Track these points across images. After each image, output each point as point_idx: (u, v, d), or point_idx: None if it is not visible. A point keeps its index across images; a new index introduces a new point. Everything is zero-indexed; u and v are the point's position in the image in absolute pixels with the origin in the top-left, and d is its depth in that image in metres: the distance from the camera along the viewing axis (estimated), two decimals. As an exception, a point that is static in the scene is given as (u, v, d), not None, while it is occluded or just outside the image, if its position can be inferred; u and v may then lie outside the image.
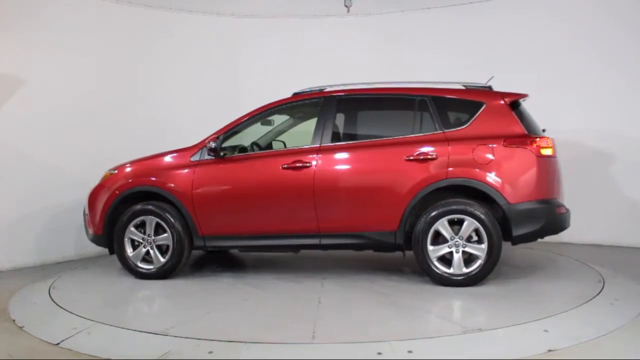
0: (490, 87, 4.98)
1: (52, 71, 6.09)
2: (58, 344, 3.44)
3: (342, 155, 4.82)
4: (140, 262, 5.04)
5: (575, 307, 3.84)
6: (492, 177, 4.50)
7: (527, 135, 4.58)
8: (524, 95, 4.84)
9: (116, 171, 5.28)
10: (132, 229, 5.04)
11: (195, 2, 7.21)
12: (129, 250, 5.05)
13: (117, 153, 6.52)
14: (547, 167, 4.57)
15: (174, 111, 7.08)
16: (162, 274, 4.99)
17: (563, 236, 4.69)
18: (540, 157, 4.52)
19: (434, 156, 4.58)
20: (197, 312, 3.98)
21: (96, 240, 5.25)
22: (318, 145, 4.84)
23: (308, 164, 4.78)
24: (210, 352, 3.19)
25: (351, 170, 4.81)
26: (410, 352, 3.12)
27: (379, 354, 3.09)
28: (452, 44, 7.07)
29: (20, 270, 5.67)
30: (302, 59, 7.50)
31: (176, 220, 4.94)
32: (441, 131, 4.68)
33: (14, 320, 3.96)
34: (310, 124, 5.10)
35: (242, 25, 7.55)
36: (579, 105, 6.48)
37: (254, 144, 5.34)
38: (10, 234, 5.76)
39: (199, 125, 5.83)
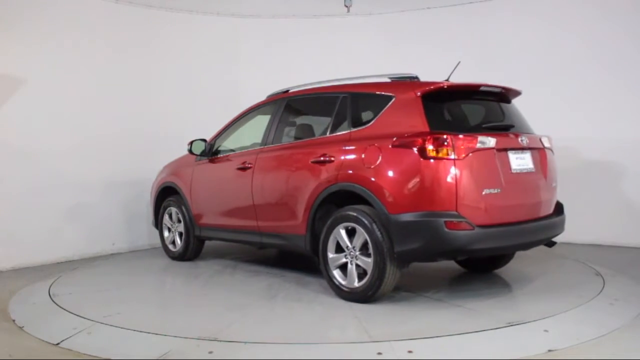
0: (416, 78, 4.29)
1: (52, 71, 6.08)
2: (58, 344, 3.44)
3: (272, 157, 4.81)
4: (170, 244, 5.95)
5: (575, 307, 3.83)
6: (374, 183, 3.92)
7: (420, 133, 3.78)
8: (441, 85, 4.01)
9: (162, 168, 6.19)
10: (166, 217, 5.97)
11: (196, 2, 7.20)
12: (165, 234, 6.01)
13: (116, 153, 6.56)
14: (439, 173, 3.70)
15: (174, 111, 7.08)
16: (179, 256, 5.83)
17: (563, 236, 4.63)
18: (429, 159, 3.69)
19: (332, 159, 4.23)
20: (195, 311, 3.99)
21: (154, 225, 6.24)
22: (261, 147, 4.95)
23: (249, 166, 4.93)
24: (210, 352, 3.19)
25: (274, 172, 4.76)
26: (410, 352, 3.12)
27: (379, 354, 3.09)
28: (452, 43, 7.05)
29: (20, 270, 5.67)
30: (302, 58, 7.50)
31: (185, 211, 5.69)
32: (349, 130, 4.29)
33: (14, 320, 3.97)
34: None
35: (242, 25, 7.55)
36: (578, 104, 6.46)
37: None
38: (10, 234, 5.75)
39: (199, 125, 5.96)
